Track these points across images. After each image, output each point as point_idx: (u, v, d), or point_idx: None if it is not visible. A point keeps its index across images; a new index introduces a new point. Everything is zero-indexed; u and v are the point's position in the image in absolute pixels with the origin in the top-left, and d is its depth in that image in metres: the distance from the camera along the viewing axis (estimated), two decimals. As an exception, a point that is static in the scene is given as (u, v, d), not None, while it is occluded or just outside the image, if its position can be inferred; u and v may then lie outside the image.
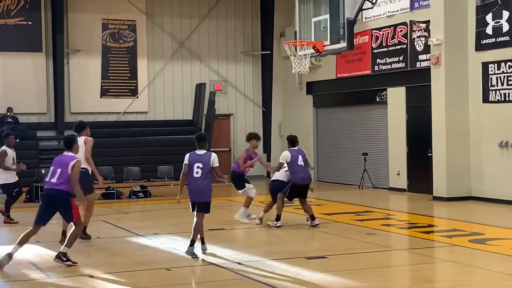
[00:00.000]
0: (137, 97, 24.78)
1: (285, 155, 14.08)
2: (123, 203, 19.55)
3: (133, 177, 21.20)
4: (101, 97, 24.41)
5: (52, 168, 10.70)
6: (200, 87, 25.08)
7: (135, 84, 24.80)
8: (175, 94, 25.38)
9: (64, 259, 10.55)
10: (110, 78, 24.46)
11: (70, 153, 10.84)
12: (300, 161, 13.99)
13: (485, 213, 15.79)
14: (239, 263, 10.45)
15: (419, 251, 11.61)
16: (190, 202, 11.24)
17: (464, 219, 14.75)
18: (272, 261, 10.63)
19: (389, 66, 20.56)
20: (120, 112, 24.49)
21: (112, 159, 21.80)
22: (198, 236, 11.22)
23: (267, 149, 26.36)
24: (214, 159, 11.16)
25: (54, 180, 10.53)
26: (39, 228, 10.64)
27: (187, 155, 11.29)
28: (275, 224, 13.94)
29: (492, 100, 17.21)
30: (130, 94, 24.74)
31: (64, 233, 12.06)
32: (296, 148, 14.26)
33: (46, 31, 23.66)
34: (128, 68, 24.68)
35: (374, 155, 21.36)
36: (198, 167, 11.09)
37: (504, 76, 16.84)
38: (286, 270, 10.01)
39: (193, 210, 11.27)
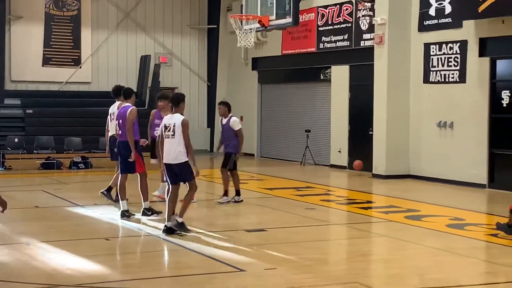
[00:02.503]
0: (80, 67, 24.41)
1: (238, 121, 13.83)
2: (63, 174, 19.35)
3: (74, 148, 20.98)
4: (43, 65, 23.94)
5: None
6: (145, 59, 24.86)
7: (78, 54, 24.41)
8: (119, 66, 25.09)
9: (149, 213, 11.79)
10: (53, 46, 24.01)
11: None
12: None
13: (422, 191, 16.16)
14: (179, 235, 10.48)
15: (356, 226, 11.84)
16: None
17: (401, 196, 15.07)
18: (212, 233, 10.70)
19: (333, 44, 20.72)
20: (63, 82, 24.11)
21: (53, 129, 21.51)
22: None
23: (211, 123, 26.37)
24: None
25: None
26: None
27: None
28: (236, 199, 13.76)
29: (433, 80, 17.54)
30: (73, 63, 24.35)
31: (109, 189, 13.19)
32: None
33: (-13, -3, 23.07)
34: (71, 37, 24.26)
35: (316, 132, 21.58)
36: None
37: (444, 58, 17.17)
38: (226, 242, 10.10)
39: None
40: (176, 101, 10.74)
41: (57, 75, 24.03)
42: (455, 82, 16.91)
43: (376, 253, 10.11)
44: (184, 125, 10.48)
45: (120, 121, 12.08)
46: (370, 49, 18.75)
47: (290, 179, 18.18)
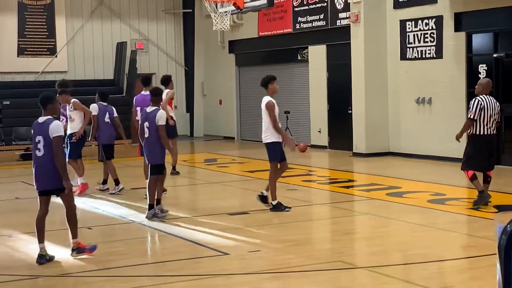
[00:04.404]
0: (56, 56, 24.21)
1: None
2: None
3: (53, 138, 20.80)
4: (18, 56, 23.71)
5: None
6: (121, 46, 24.68)
7: (53, 43, 24.19)
8: (95, 53, 24.91)
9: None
10: (27, 36, 23.76)
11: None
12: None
13: (402, 168, 16.25)
14: (162, 221, 10.47)
15: (339, 205, 11.89)
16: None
17: (382, 174, 15.15)
18: (195, 218, 10.70)
19: (310, 24, 20.69)
20: (39, 72, 23.91)
21: (32, 120, 21.10)
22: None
23: (190, 108, 26.30)
24: (160, 117, 10.60)
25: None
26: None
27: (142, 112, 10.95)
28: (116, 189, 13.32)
29: (409, 57, 17.58)
30: (48, 53, 24.13)
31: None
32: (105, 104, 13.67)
33: (-42, -12, 22.76)
34: (45, 27, 24.02)
35: (296, 113, 21.59)
36: (146, 126, 10.69)
37: (421, 34, 17.21)
38: (209, 226, 10.10)
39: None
40: (265, 83, 11.30)
41: (33, 65, 23.82)
42: (432, 58, 16.97)
43: (359, 231, 10.17)
44: (269, 106, 10.94)
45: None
46: (347, 28, 18.74)
47: (271, 161, 18.15)
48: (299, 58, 21.52)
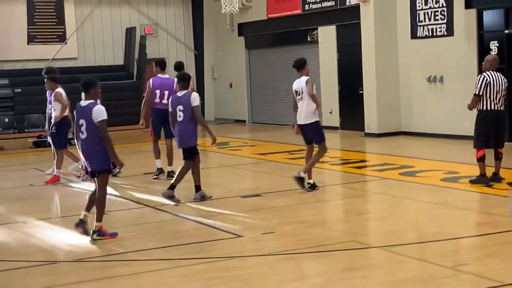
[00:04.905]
0: (66, 43, 24.22)
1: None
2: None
3: (65, 125, 20.90)
4: (28, 43, 23.76)
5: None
6: (130, 32, 24.66)
7: (62, 30, 24.20)
8: (105, 39, 24.90)
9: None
10: (37, 24, 23.78)
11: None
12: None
13: (415, 147, 16.20)
14: (176, 204, 10.51)
15: (351, 185, 11.89)
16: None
17: (394, 154, 15.12)
18: (208, 201, 10.73)
19: (319, 5, 20.58)
20: (49, 59, 23.94)
21: (43, 107, 21.28)
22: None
23: (200, 92, 26.23)
24: (194, 98, 10.62)
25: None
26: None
27: (171, 98, 10.93)
28: None
29: (420, 35, 17.48)
30: (58, 40, 24.15)
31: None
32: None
33: (-34, -24, 22.79)
34: (55, 14, 24.02)
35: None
36: (180, 110, 10.64)
37: (431, 12, 17.09)
38: (222, 210, 10.13)
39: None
40: (299, 65, 11.13)
41: (43, 52, 23.83)
42: (443, 35, 16.86)
43: (372, 211, 10.17)
44: (309, 83, 10.97)
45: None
46: (356, 7, 18.63)
47: (282, 143, 18.19)
48: (309, 39, 21.43)
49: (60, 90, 13.45)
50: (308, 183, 11.09)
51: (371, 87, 18.20)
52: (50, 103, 13.54)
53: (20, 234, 9.33)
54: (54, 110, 13.37)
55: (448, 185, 11.15)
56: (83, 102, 8.64)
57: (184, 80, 10.82)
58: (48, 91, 13.56)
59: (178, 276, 7.09)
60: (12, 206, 11.30)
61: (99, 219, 8.61)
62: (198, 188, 10.79)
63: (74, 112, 8.77)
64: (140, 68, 23.87)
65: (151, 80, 13.42)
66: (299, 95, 11.10)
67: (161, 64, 13.60)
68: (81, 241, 8.58)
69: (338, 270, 7.09)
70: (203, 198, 10.76)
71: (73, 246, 8.43)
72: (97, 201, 8.65)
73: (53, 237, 8.99)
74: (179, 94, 10.78)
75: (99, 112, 8.42)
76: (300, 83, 11.13)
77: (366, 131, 18.39)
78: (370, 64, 18.15)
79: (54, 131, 13.32)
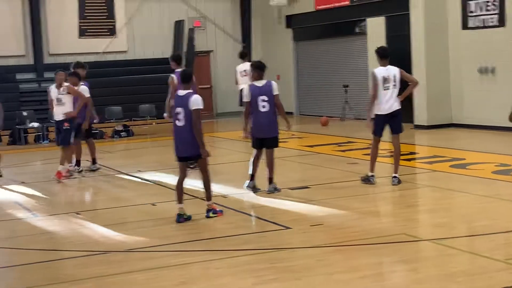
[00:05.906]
0: (116, 37, 24.52)
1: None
2: (106, 143, 19.55)
3: (115, 117, 21.18)
4: (79, 37, 24.13)
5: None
6: (178, 25, 24.83)
7: (113, 23, 24.51)
8: (154, 33, 25.11)
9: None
10: (88, 18, 24.14)
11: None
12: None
13: (466, 139, 15.98)
14: (223, 196, 10.56)
15: (401, 178, 11.73)
16: (254, 138, 10.78)
17: (444, 146, 14.92)
18: (256, 193, 10.74)
19: (367, -4, 20.42)
20: (99, 52, 24.26)
21: (93, 100, 21.54)
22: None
23: (248, 84, 26.26)
24: (275, 87, 10.68)
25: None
26: None
27: (247, 88, 10.73)
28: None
29: (471, 26, 17.20)
30: (108, 33, 24.47)
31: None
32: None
33: (20, -28, 23.21)
34: (105, 7, 24.35)
35: (354, 87, 21.39)
36: (263, 100, 10.57)
37: (482, 2, 16.80)
38: (270, 201, 10.14)
39: (253, 146, 10.89)
40: (388, 54, 11.19)
41: (94, 46, 24.17)
42: (494, 26, 16.57)
43: (422, 203, 10.06)
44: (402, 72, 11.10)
45: None
46: (405, -2, 18.43)
47: (330, 135, 18.12)
48: (357, 31, 21.27)
49: (83, 87, 13.41)
50: (394, 177, 10.97)
51: (421, 78, 17.84)
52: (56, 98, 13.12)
53: (73, 224, 9.48)
54: (61, 104, 12.93)
55: (499, 178, 10.97)
56: (181, 92, 9.10)
57: (260, 68, 10.81)
58: (51, 87, 13.32)
59: (226, 267, 7.13)
60: (64, 197, 11.47)
61: (208, 198, 9.25)
62: (271, 180, 10.77)
63: (173, 101, 9.29)
64: (188, 61, 24.01)
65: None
66: (388, 82, 10.88)
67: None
68: (131, 232, 8.69)
69: (388, 263, 7.05)
70: (275, 190, 10.71)
71: (123, 237, 8.55)
72: (204, 183, 9.21)
73: (104, 228, 9.11)
74: (258, 84, 10.69)
75: (196, 101, 8.90)
76: (392, 70, 10.96)
77: (415, 123, 18.19)
78: (420, 55, 17.93)
79: (68, 127, 12.93)
